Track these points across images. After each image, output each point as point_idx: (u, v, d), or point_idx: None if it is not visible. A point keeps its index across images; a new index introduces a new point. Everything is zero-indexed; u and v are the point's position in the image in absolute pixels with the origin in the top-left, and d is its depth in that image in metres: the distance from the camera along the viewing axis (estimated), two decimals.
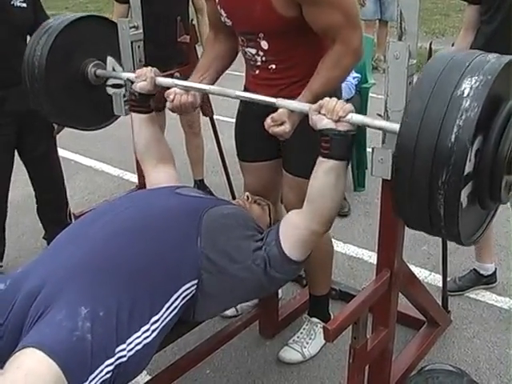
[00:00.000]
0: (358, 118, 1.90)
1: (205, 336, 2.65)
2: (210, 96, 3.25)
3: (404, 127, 1.59)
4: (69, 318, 1.73)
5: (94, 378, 1.68)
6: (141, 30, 2.66)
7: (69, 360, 1.64)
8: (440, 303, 2.88)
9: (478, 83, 1.50)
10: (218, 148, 3.68)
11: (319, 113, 1.94)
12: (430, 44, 2.57)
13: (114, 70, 2.72)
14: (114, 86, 2.71)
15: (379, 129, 1.84)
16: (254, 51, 2.34)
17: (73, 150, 5.33)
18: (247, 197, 2.45)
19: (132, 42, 2.64)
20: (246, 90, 2.53)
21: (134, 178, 4.10)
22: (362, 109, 4.12)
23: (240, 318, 2.78)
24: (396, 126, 1.70)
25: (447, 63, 1.60)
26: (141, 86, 2.42)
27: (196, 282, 2.00)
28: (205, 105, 3.46)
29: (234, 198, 3.76)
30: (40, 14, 3.14)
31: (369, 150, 4.27)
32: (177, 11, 3.46)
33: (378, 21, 7.46)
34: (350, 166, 4.24)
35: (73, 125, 2.88)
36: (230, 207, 2.26)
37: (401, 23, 1.80)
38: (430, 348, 2.77)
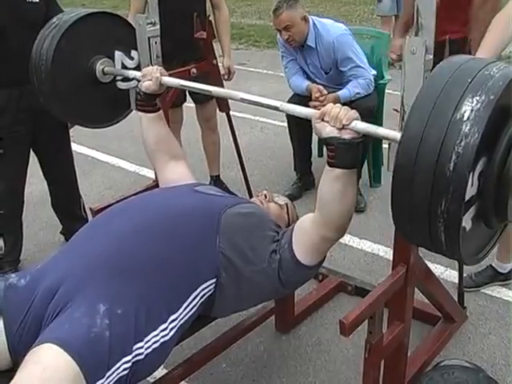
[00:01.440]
0: (361, 125, 1.81)
1: (221, 330, 2.66)
2: None
3: (401, 151, 1.50)
4: (87, 314, 1.75)
5: (111, 375, 1.71)
6: (158, 27, 2.68)
7: (86, 356, 1.66)
8: (456, 299, 2.87)
9: (479, 105, 1.40)
10: (235, 143, 3.69)
11: (323, 120, 1.85)
12: (448, 39, 2.55)
13: (122, 64, 2.73)
14: (124, 79, 2.73)
15: (382, 138, 1.81)
16: None
17: (90, 145, 5.36)
18: (265, 195, 2.44)
19: (149, 38, 2.66)
20: None
21: (151, 174, 4.13)
22: (378, 105, 4.12)
23: (256, 312, 2.79)
24: (398, 136, 1.62)
25: (449, 77, 1.49)
26: (146, 85, 2.41)
27: (215, 280, 2.01)
28: (221, 101, 3.47)
29: (250, 193, 3.78)
30: (53, 8, 3.15)
31: (385, 146, 4.28)
32: (194, 7, 3.47)
33: (394, 17, 7.43)
34: (366, 162, 4.25)
35: (82, 123, 2.89)
36: (249, 206, 2.26)
37: (417, 18, 1.80)
38: (445, 344, 2.77)
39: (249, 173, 3.85)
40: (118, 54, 2.72)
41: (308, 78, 4.17)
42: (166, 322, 1.88)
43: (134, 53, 2.79)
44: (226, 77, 4.02)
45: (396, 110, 1.92)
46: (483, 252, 1.73)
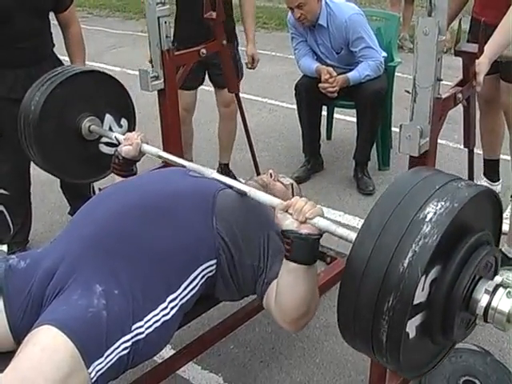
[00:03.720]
0: (324, 223, 1.73)
1: (229, 311, 2.66)
2: None
3: (358, 241, 1.47)
4: (84, 295, 1.77)
5: (110, 354, 1.72)
6: (168, 6, 2.68)
7: (84, 336, 1.68)
8: None
9: (443, 209, 1.40)
10: (244, 125, 3.67)
11: (286, 211, 1.80)
12: (460, 21, 2.54)
13: (110, 129, 2.75)
14: (108, 144, 2.75)
15: (340, 237, 1.70)
16: None
17: None
18: (270, 174, 2.41)
19: (159, 18, 2.64)
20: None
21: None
22: (388, 87, 4.09)
23: None
24: (353, 236, 1.59)
25: (418, 181, 1.51)
26: (125, 150, 2.42)
27: (215, 261, 2.01)
28: (231, 81, 3.45)
29: (258, 174, 3.77)
30: None
31: (394, 129, 4.26)
32: None
33: None
34: (374, 145, 4.23)
35: (58, 175, 2.94)
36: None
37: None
38: None
39: (257, 154, 3.83)
40: (108, 117, 2.76)
41: (318, 59, 4.15)
42: (165, 301, 1.89)
43: (123, 121, 2.84)
44: (249, 65, 3.99)
45: (408, 92, 1.91)
46: (425, 369, 1.65)
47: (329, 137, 4.89)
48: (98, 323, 1.72)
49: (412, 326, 1.45)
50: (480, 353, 2.35)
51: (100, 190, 2.72)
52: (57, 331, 1.65)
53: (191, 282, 1.95)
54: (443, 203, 1.42)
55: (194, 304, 2.01)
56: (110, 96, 2.76)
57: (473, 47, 2.15)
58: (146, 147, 2.43)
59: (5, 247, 3.30)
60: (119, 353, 1.74)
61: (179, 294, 1.92)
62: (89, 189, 3.59)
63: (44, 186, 4.03)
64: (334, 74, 3.90)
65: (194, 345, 2.46)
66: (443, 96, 1.91)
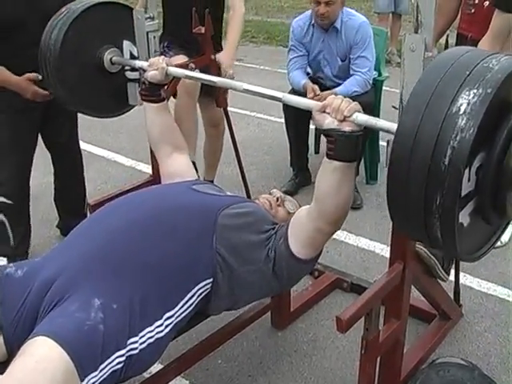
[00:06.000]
0: (363, 118, 1.81)
1: (217, 326, 2.65)
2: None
3: (396, 144, 1.47)
4: (82, 308, 1.76)
5: (104, 367, 1.71)
6: (157, 21, 2.70)
7: (79, 349, 1.67)
8: (452, 297, 2.88)
9: (476, 98, 1.37)
10: (232, 140, 3.66)
11: (324, 111, 1.85)
12: (447, 37, 2.57)
13: (131, 54, 2.74)
14: (133, 69, 2.74)
15: (383, 130, 1.79)
16: None
17: (85, 140, 5.31)
18: (277, 198, 2.40)
19: (148, 33, 2.66)
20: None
21: (147, 169, 4.12)
22: (375, 102, 4.12)
23: (252, 308, 2.78)
24: (395, 127, 1.62)
25: (447, 70, 1.46)
26: (151, 75, 2.43)
27: (211, 280, 2.01)
28: (220, 96, 3.45)
29: (247, 189, 3.77)
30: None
31: (383, 143, 4.28)
32: (193, 4, 3.40)
33: (391, 14, 7.44)
34: (362, 159, 4.25)
35: (90, 112, 2.90)
36: (246, 205, 2.24)
37: (417, 16, 1.80)
38: (441, 341, 2.77)
39: (245, 168, 3.83)
40: (126, 43, 2.74)
41: (317, 67, 4.21)
42: (161, 318, 1.89)
43: None
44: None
45: (395, 107, 1.92)
46: (483, 249, 1.70)
47: (317, 151, 4.90)
48: (94, 336, 1.72)
49: (465, 216, 1.49)
50: (467, 367, 2.35)
51: (89, 204, 2.74)
52: (52, 343, 1.64)
53: (188, 301, 1.96)
54: (475, 91, 1.38)
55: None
56: (123, 23, 2.71)
57: None
58: (171, 69, 2.45)
59: (5, 260, 3.28)
60: (113, 367, 1.74)
61: (176, 312, 1.93)
62: (84, 205, 3.59)
63: (32, 198, 4.01)
64: (318, 91, 3.93)
65: (181, 359, 2.46)
66: None
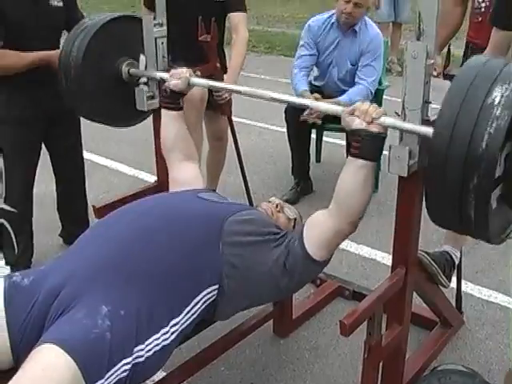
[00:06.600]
0: (390, 120, 1.93)
1: (219, 334, 2.66)
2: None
3: (437, 133, 1.64)
4: (89, 316, 1.76)
5: (111, 375, 1.72)
6: (165, 28, 2.74)
7: (86, 356, 1.67)
8: (453, 304, 2.88)
9: (508, 91, 1.54)
10: (236, 149, 3.67)
11: (353, 114, 1.97)
12: (449, 46, 2.59)
13: (146, 67, 2.78)
14: (146, 84, 2.78)
15: (410, 132, 1.87)
16: None
17: (88, 149, 5.32)
18: (277, 205, 2.43)
19: (156, 39, 2.71)
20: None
21: (149, 178, 4.14)
22: None
23: (254, 316, 2.79)
24: (429, 131, 1.76)
25: (479, 71, 1.63)
26: (174, 83, 2.50)
27: (217, 287, 2.03)
28: (225, 105, 3.46)
29: (249, 198, 3.78)
30: (74, 11, 3.26)
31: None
32: (199, 12, 3.39)
33: (391, 23, 7.48)
34: None
35: (109, 122, 2.98)
36: (251, 212, 2.27)
37: (419, 24, 1.82)
38: (442, 348, 2.78)
39: (248, 178, 3.85)
40: (142, 57, 2.78)
41: (324, 68, 4.28)
42: (167, 325, 1.89)
43: None
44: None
45: (397, 114, 1.95)
46: (506, 233, 1.83)
47: (318, 159, 4.92)
48: (101, 344, 1.72)
49: (493, 199, 1.64)
50: (469, 374, 2.35)
51: (93, 207, 2.75)
52: (59, 351, 1.64)
53: (193, 307, 1.97)
54: (507, 85, 1.56)
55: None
56: (139, 37, 2.76)
57: None
58: (195, 80, 2.52)
59: (8, 269, 3.28)
60: (119, 375, 1.74)
61: (182, 319, 1.94)
62: (86, 214, 3.61)
63: (35, 207, 4.02)
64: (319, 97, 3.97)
65: (184, 367, 2.47)
66: (432, 118, 1.94)
